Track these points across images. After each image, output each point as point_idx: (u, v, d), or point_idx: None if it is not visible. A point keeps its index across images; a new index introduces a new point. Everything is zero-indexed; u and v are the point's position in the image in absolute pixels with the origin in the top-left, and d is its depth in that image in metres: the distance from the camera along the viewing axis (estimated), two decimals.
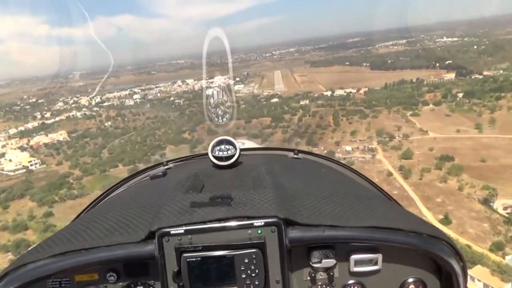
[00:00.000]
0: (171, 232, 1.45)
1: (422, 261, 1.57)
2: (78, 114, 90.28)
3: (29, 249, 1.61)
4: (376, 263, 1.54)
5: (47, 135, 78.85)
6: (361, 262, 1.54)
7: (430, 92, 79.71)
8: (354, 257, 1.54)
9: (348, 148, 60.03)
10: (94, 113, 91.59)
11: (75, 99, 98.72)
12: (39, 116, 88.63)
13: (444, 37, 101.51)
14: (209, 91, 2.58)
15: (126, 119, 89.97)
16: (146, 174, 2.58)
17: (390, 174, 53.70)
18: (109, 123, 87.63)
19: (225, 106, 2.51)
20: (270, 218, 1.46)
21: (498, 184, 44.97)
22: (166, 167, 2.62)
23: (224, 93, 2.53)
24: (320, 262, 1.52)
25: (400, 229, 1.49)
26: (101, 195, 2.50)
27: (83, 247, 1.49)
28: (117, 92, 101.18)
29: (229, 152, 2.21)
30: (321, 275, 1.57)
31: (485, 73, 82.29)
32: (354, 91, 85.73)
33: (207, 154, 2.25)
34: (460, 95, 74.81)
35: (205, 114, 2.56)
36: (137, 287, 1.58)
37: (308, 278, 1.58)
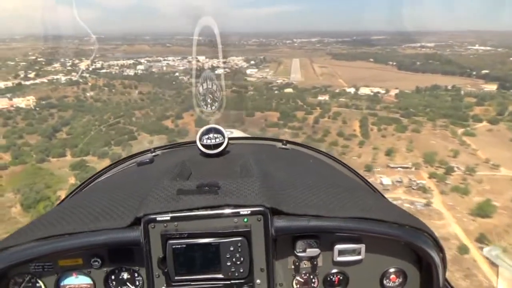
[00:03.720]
0: (157, 218, 1.36)
1: (404, 252, 1.52)
2: (63, 78, 71.82)
3: (12, 233, 1.48)
4: (359, 253, 1.48)
5: (11, 99, 57.57)
6: (345, 252, 1.49)
7: (479, 105, 59.01)
8: (338, 247, 1.48)
9: (386, 180, 35.93)
10: (81, 80, 72.66)
11: (76, 61, 79.61)
12: (22, 75, 70.21)
13: (476, 45, 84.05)
14: (199, 77, 2.27)
15: (113, 90, 71.35)
16: (133, 161, 2.38)
17: (464, 249, 25.30)
18: (92, 93, 68.99)
19: (214, 95, 2.23)
20: (256, 207, 1.39)
21: None
22: (153, 154, 2.41)
23: (211, 81, 2.23)
24: (304, 251, 1.46)
25: (384, 220, 1.43)
26: (86, 180, 2.28)
27: (67, 232, 1.40)
28: (124, 60, 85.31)
29: (217, 140, 2.06)
30: (305, 264, 1.52)
31: None
32: (382, 91, 67.00)
33: (195, 142, 2.09)
34: None
35: (194, 101, 2.28)
36: (122, 273, 1.50)
37: (292, 266, 1.52)
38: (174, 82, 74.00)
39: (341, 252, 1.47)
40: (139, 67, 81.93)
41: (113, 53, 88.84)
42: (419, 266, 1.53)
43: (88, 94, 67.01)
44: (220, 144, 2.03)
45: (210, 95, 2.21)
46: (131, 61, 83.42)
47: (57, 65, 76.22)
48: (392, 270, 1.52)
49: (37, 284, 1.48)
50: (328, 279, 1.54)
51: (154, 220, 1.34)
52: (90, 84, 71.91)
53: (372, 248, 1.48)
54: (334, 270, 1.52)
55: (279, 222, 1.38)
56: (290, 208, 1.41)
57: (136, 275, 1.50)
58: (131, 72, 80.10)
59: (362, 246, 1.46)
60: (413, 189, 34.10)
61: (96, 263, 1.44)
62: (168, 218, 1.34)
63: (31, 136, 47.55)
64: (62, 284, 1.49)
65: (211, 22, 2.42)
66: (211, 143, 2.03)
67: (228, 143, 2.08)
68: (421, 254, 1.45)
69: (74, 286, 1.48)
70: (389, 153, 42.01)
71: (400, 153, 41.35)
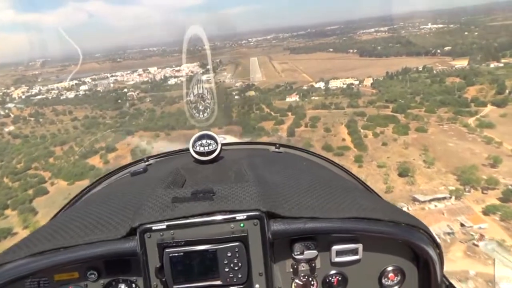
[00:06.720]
0: (153, 228, 1.28)
1: (401, 250, 1.45)
2: None
3: (6, 249, 1.40)
4: (356, 253, 1.40)
5: None
6: (342, 253, 1.41)
7: (470, 85, 47.16)
8: (335, 247, 1.40)
9: None
10: (2, 112, 56.13)
11: (11, 89, 65.87)
12: None
13: (429, 24, 79.04)
14: (190, 86, 2.21)
15: (41, 120, 53.98)
16: (127, 171, 2.22)
17: None
18: (12, 128, 52.18)
19: (206, 101, 2.19)
20: (252, 211, 1.31)
21: None
22: (146, 163, 2.24)
23: (201, 85, 2.18)
24: (302, 253, 1.37)
25: (379, 219, 1.36)
26: (80, 193, 2.13)
27: (62, 246, 1.31)
28: (69, 81, 71.25)
29: (211, 147, 1.96)
30: (304, 267, 1.44)
31: (503, 60, 56.29)
32: (355, 82, 55.75)
33: (188, 149, 1.98)
34: None
35: (186, 109, 2.23)
36: (119, 285, 1.39)
37: (291, 269, 1.44)
38: (119, 100, 61.16)
39: (339, 253, 1.38)
40: (82, 87, 68.16)
41: (57, 76, 74.63)
42: (416, 263, 1.44)
43: (6, 130, 51.37)
44: (213, 151, 1.92)
45: (202, 102, 2.11)
46: (74, 82, 68.71)
47: None
48: (390, 268, 1.43)
49: None
50: (327, 280, 1.44)
51: (150, 230, 1.25)
52: (12, 116, 55.20)
53: (369, 247, 1.39)
54: (333, 271, 1.43)
55: (276, 226, 1.30)
56: (286, 211, 1.33)
57: (133, 286, 1.38)
58: (71, 94, 66.17)
59: (360, 246, 1.37)
60: (475, 244, 19.14)
61: (93, 275, 1.33)
62: (164, 226, 1.25)
63: None
64: None
65: (200, 31, 2.26)
66: (205, 150, 1.91)
67: (221, 149, 1.96)
68: (418, 251, 1.38)
69: None
70: (404, 172, 26.76)
71: (419, 169, 26.52)
